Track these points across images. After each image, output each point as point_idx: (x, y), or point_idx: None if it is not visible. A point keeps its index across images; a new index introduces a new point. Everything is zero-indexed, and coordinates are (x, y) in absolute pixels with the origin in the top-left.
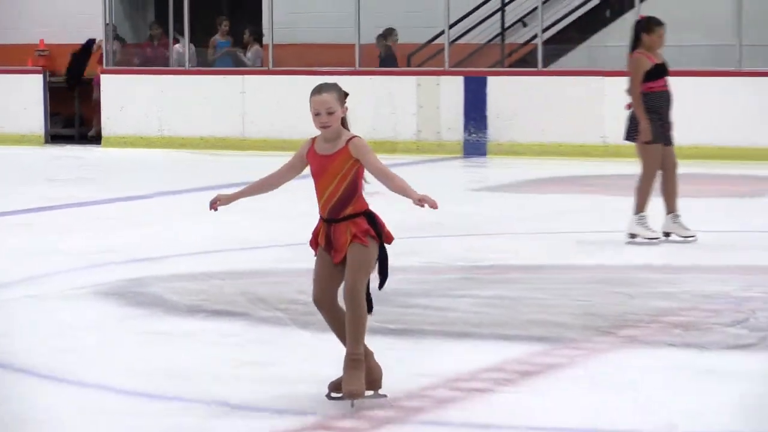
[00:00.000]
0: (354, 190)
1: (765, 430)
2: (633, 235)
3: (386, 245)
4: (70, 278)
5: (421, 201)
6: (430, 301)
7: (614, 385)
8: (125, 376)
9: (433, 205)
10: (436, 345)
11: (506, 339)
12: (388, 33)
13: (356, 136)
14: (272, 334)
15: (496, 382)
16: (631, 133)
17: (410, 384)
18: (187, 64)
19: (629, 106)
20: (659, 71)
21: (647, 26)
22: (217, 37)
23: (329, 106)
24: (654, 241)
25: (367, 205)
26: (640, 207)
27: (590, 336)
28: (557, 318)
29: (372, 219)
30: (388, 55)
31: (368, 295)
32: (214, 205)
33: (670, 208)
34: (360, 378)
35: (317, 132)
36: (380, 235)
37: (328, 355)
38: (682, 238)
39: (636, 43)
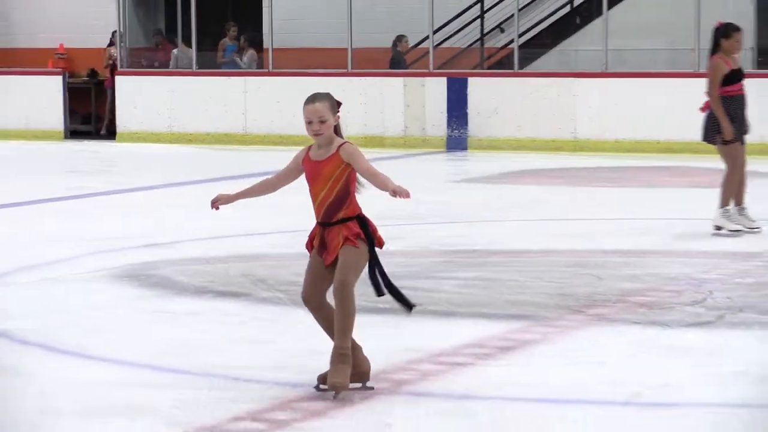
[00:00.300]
0: (346, 194)
1: (723, 401)
2: (718, 228)
3: (377, 249)
4: (87, 262)
5: (393, 192)
6: (416, 282)
7: (584, 360)
8: (136, 351)
9: (405, 195)
10: (422, 322)
11: (486, 317)
12: (399, 39)
13: (347, 141)
14: (272, 313)
15: (476, 357)
16: (710, 134)
17: (398, 358)
18: (194, 66)
19: (705, 108)
20: (736, 76)
21: (726, 32)
22: (226, 41)
23: (321, 114)
24: (737, 233)
25: (359, 209)
26: (724, 201)
27: (563, 314)
28: (533, 298)
29: (364, 223)
30: (399, 59)
31: (401, 295)
32: (214, 204)
33: (737, 201)
34: (345, 371)
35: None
36: (371, 239)
37: (322, 332)
38: (748, 229)
39: (715, 47)
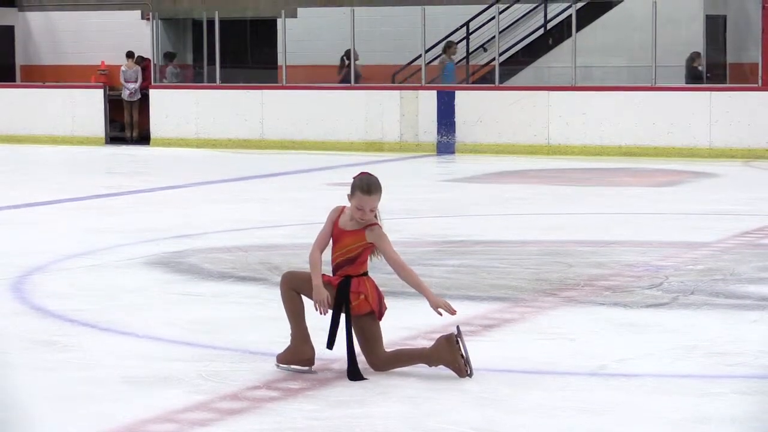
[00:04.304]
0: (351, 261)
1: (676, 372)
2: None
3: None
4: (125, 251)
5: (438, 309)
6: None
7: (556, 336)
8: (167, 329)
9: (452, 312)
10: (415, 304)
11: (471, 299)
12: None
13: (376, 223)
14: None
15: (464, 334)
16: None
17: (395, 335)
18: (217, 80)
19: None
20: None
21: None
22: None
23: (374, 206)
24: None
25: (357, 272)
26: None
27: (538, 297)
28: (512, 282)
29: (346, 284)
30: (697, 74)
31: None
32: (324, 308)
33: None
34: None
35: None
36: (341, 300)
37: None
38: None
39: None
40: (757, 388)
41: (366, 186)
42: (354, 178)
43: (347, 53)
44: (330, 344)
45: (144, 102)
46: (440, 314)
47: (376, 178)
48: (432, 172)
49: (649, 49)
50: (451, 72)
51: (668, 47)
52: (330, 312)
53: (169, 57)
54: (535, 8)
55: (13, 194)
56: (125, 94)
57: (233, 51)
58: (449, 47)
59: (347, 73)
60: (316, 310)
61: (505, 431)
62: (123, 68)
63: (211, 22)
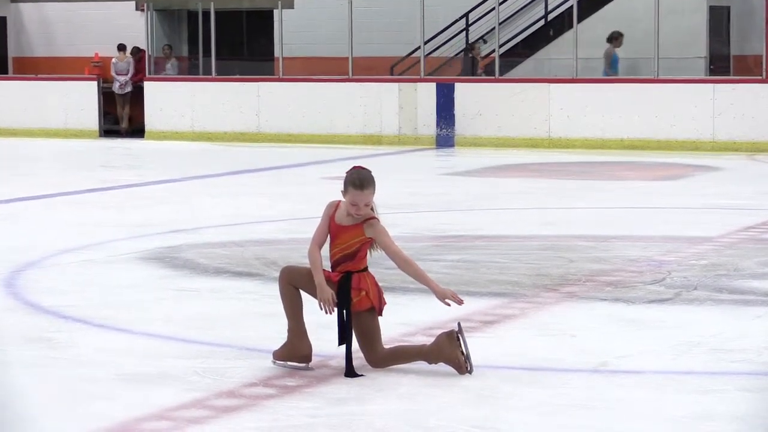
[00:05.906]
0: (351, 257)
1: (678, 369)
2: None
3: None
4: (119, 245)
5: (444, 299)
6: None
7: (557, 332)
8: (162, 325)
9: (459, 302)
10: (414, 300)
11: (471, 294)
12: None
13: (374, 217)
14: None
15: (463, 330)
16: None
17: (394, 331)
18: (213, 72)
19: None
20: None
21: None
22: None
23: (369, 201)
24: None
25: (357, 267)
26: None
27: (538, 292)
28: (512, 278)
29: (347, 279)
30: None
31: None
32: (330, 306)
33: None
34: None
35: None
36: (343, 297)
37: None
38: None
39: None
40: (760, 385)
41: (358, 181)
42: (346, 173)
43: (479, 42)
44: (341, 341)
45: (137, 94)
46: (448, 305)
47: (369, 172)
48: (431, 165)
49: (651, 40)
50: (617, 62)
51: (671, 39)
52: (335, 311)
53: (169, 49)
54: None
55: (6, 189)
56: (116, 87)
57: (229, 42)
58: (616, 37)
59: (477, 63)
60: (321, 309)
61: (506, 428)
62: (114, 60)
63: (206, 13)
